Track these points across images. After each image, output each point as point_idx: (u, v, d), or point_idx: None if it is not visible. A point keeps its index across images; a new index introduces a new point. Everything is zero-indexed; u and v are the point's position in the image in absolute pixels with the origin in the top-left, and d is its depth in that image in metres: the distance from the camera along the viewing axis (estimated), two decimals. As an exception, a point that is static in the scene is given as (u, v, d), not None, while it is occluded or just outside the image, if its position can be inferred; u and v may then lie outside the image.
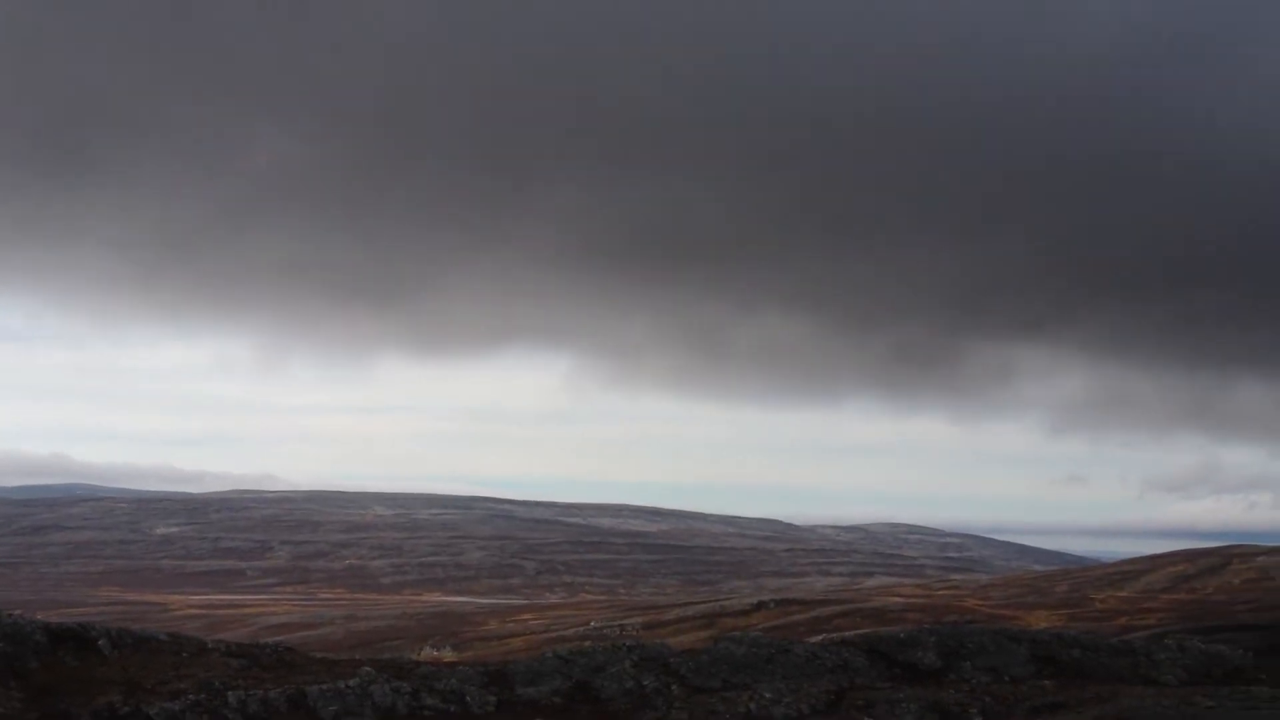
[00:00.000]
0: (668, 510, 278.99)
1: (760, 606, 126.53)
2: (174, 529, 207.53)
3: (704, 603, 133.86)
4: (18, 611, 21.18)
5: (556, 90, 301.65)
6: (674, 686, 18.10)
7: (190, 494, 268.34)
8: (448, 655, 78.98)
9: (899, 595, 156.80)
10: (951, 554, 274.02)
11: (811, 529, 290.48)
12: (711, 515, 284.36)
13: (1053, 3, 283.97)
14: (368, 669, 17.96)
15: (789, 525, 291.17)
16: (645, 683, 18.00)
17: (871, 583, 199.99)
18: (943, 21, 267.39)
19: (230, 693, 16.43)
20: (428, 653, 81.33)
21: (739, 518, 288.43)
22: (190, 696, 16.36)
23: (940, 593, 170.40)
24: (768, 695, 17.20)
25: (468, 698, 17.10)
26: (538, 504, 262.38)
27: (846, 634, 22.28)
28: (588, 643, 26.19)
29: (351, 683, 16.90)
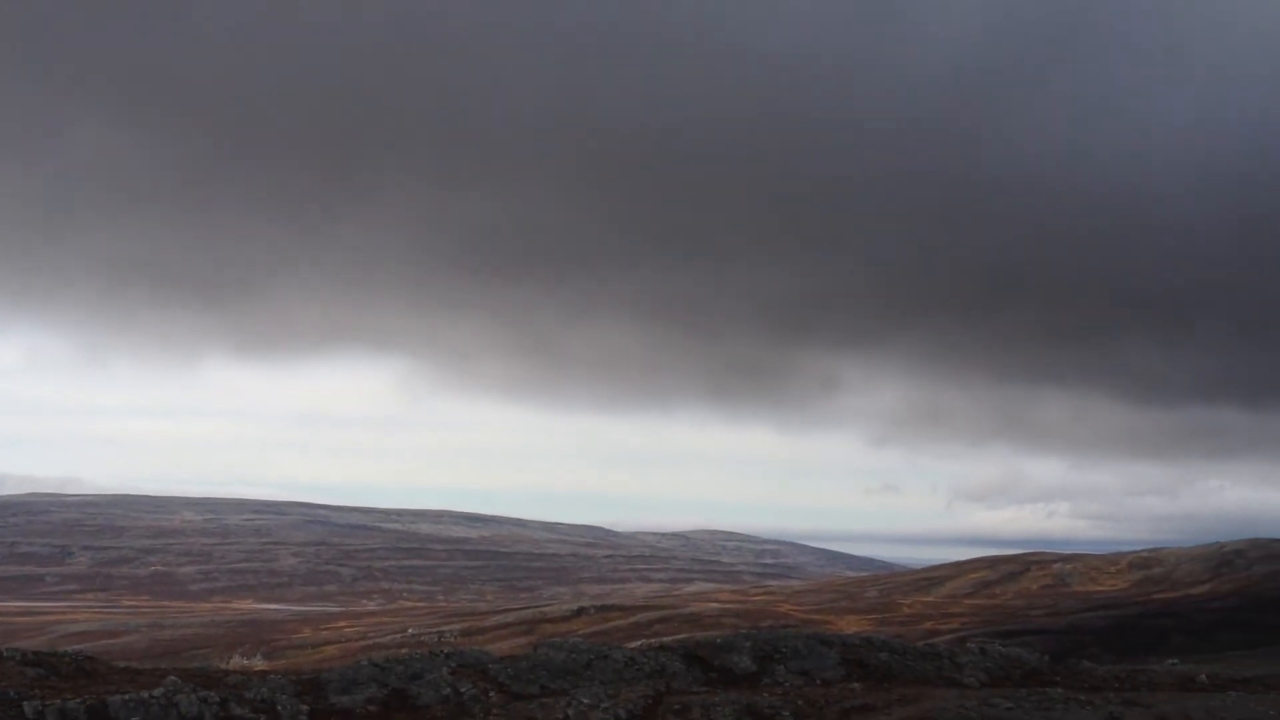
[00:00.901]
0: (489, 516, 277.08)
1: (581, 612, 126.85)
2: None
3: (524, 609, 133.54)
4: None
5: (394, 92, 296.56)
6: (492, 693, 17.95)
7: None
8: (258, 664, 76.79)
9: (717, 601, 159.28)
10: (768, 560, 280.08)
11: (633, 536, 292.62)
12: (533, 522, 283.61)
13: (890, 25, 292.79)
14: (173, 678, 17.25)
15: (610, 532, 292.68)
16: (463, 690, 17.79)
17: (690, 589, 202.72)
18: (783, 38, 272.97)
19: (26, 703, 15.58)
20: (237, 662, 78.95)
21: (561, 524, 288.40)
22: (-20, 708, 15.48)
23: (756, 598, 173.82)
24: (585, 701, 17.20)
25: (279, 707, 16.59)
26: (355, 509, 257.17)
27: (665, 639, 22.48)
28: (405, 650, 25.78)
29: (156, 693, 16.20)
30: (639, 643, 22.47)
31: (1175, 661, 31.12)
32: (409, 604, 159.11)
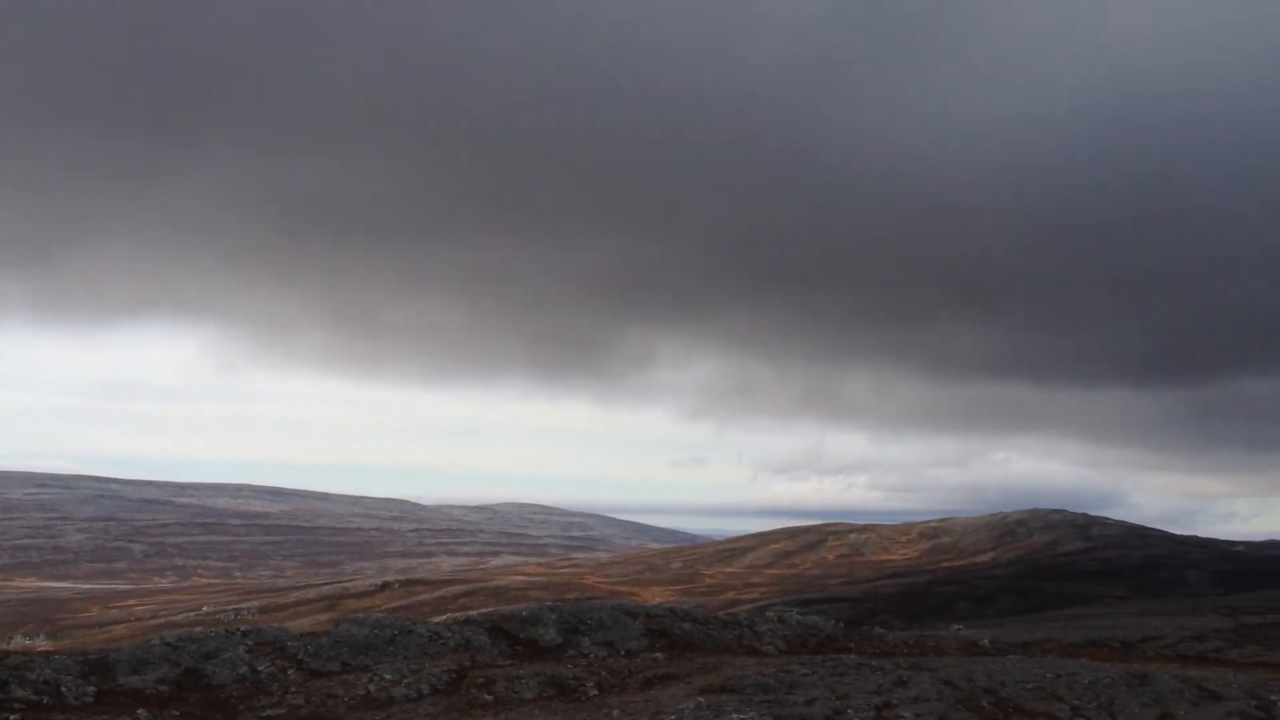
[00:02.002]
0: (291, 490, 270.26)
1: (385, 587, 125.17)
2: None
3: (326, 585, 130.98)
4: None
5: (221, 52, 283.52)
6: (291, 671, 17.54)
7: None
8: (42, 644, 73.33)
9: (523, 574, 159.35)
10: (575, 533, 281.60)
11: (439, 509, 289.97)
12: (337, 495, 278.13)
13: (728, 9, 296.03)
14: (-56, 662, 16.28)
15: (416, 505, 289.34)
16: (260, 668, 17.33)
17: (497, 562, 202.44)
18: (617, 16, 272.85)
19: None
20: (19, 642, 75.24)
21: (365, 498, 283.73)
22: None
23: (563, 571, 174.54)
24: (388, 676, 16.98)
25: (63, 688, 15.82)
26: (148, 483, 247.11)
27: (471, 613, 22.35)
28: (199, 629, 24.94)
29: (-76, 678, 15.27)
30: (444, 617, 22.28)
31: (960, 627, 32.66)
32: (204, 581, 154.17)
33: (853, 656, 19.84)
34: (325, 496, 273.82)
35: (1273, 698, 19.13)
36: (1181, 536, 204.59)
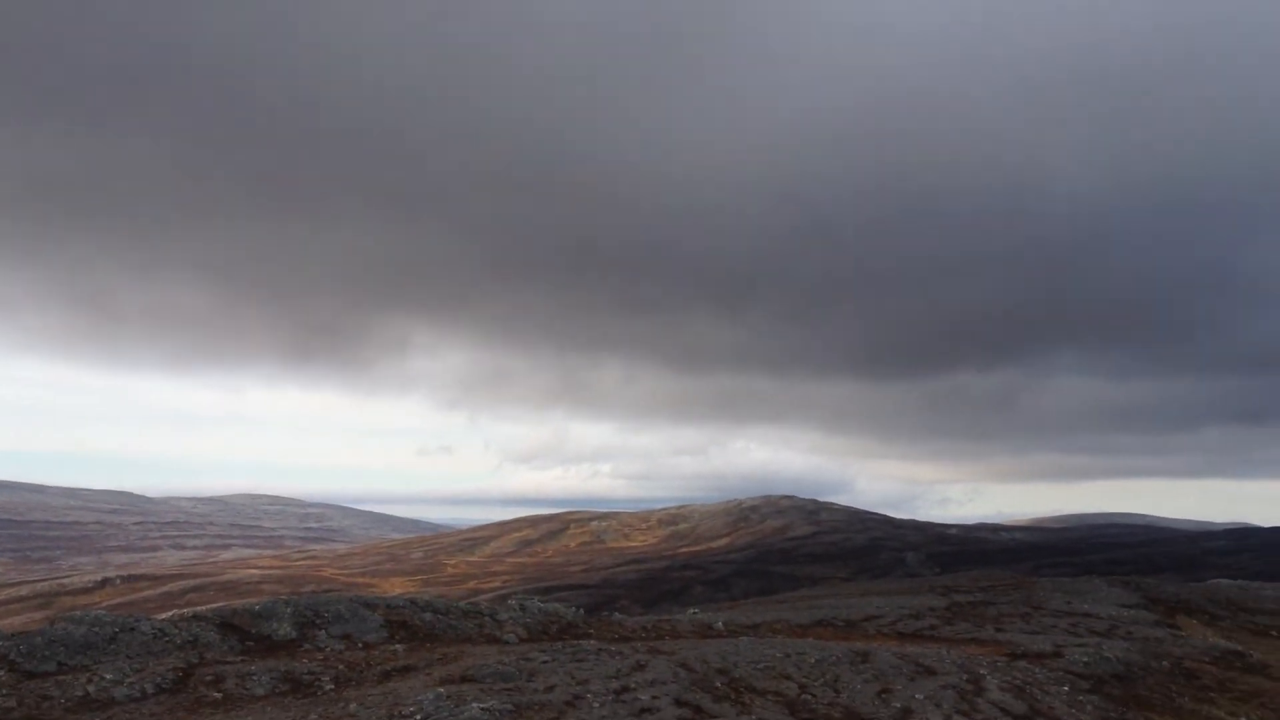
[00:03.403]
0: (2, 482, 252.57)
1: (105, 583, 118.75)
2: None
3: (40, 581, 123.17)
4: None
5: None
6: (2, 673, 16.38)
7: None
8: None
9: (256, 567, 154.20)
10: (312, 524, 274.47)
11: (166, 501, 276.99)
12: (52, 487, 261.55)
13: (503, 12, 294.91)
14: None
15: (140, 497, 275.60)
16: (-37, 673, 16.11)
17: (228, 555, 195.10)
18: (392, 12, 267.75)
19: None
20: None
21: (84, 490, 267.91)
22: None
23: (299, 563, 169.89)
24: (109, 676, 16.08)
25: None
26: None
27: (199, 609, 21.41)
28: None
29: None
30: (171, 613, 21.28)
31: (696, 611, 33.51)
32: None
33: (592, 642, 20.07)
34: (40, 489, 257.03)
35: (982, 671, 20.48)
36: (901, 520, 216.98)
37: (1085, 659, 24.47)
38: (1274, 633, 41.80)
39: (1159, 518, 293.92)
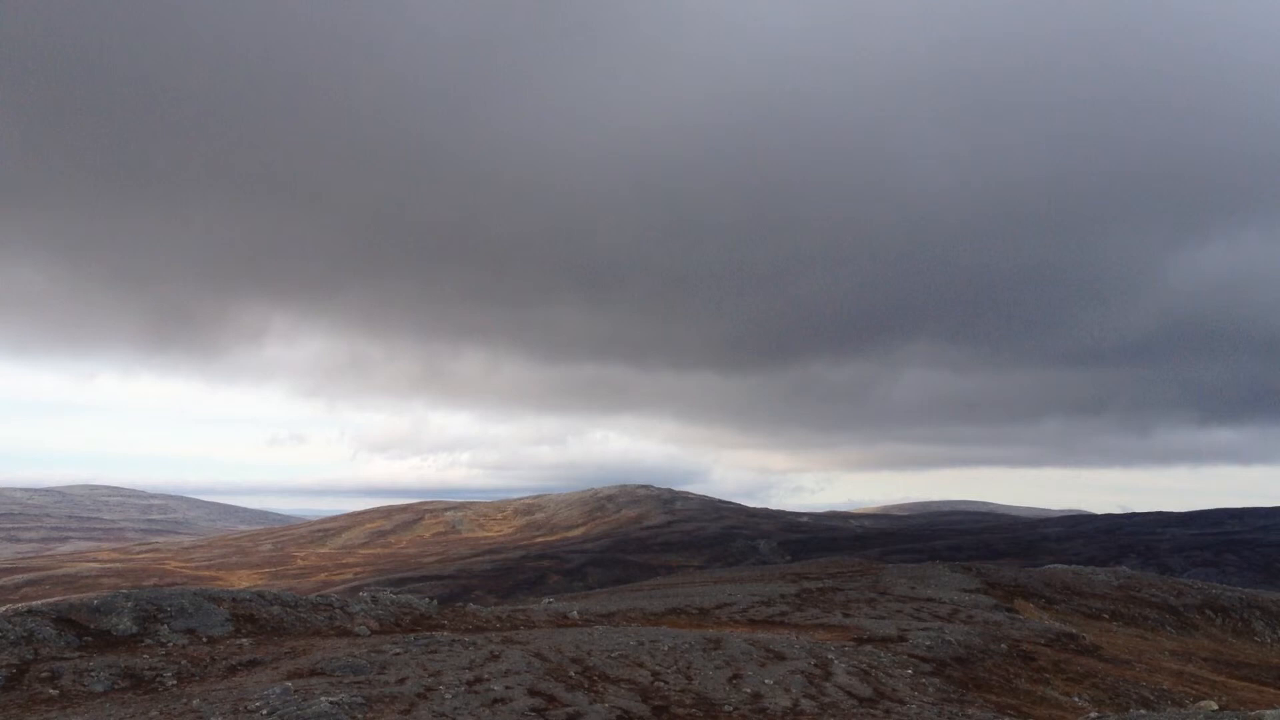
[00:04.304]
0: None
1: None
2: None
3: None
4: None
5: None
6: None
7: None
8: None
9: (96, 560, 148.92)
10: (155, 516, 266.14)
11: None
12: None
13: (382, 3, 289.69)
14: None
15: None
16: None
17: (66, 548, 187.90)
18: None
19: None
20: None
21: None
22: None
23: (140, 556, 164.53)
24: (-67, 678, 15.36)
25: None
26: None
27: (35, 603, 20.56)
28: None
29: None
30: (4, 608, 20.40)
31: (551, 600, 33.52)
32: None
33: (446, 634, 19.92)
34: None
35: (829, 656, 20.95)
36: (755, 509, 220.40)
37: (928, 643, 25.23)
38: (1105, 616, 43.72)
39: (1000, 505, 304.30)
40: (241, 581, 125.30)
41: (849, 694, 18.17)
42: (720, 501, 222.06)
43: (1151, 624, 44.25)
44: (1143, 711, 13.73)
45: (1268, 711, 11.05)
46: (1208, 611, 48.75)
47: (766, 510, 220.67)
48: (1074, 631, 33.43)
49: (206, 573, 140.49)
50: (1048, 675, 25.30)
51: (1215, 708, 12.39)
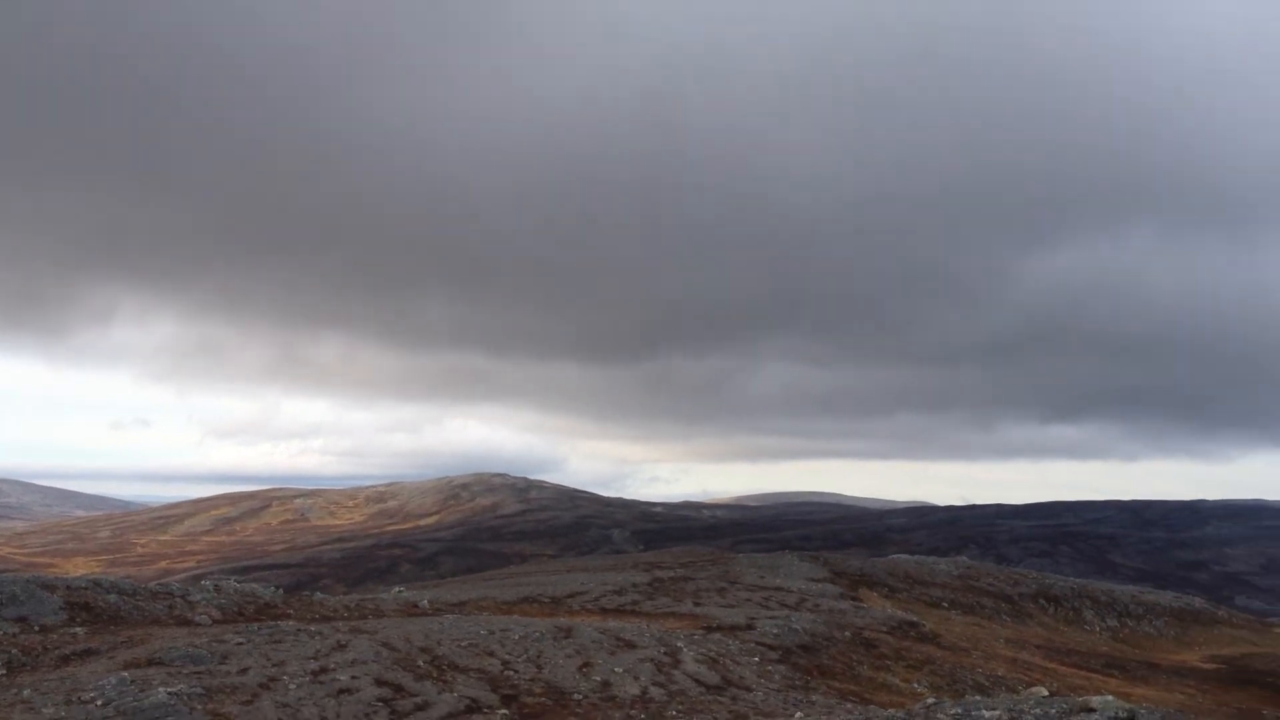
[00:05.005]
0: None
1: None
2: None
3: None
4: None
5: None
6: None
7: None
8: None
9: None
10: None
11: None
12: None
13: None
14: None
15: None
16: None
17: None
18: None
19: None
20: None
21: None
22: None
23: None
24: None
25: None
26: None
27: None
28: None
29: None
30: None
31: (401, 589, 33.16)
32: None
33: (291, 623, 19.57)
34: None
35: (679, 644, 21.20)
36: (610, 498, 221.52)
37: (775, 631, 25.72)
38: (945, 605, 45.15)
39: (848, 496, 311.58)
40: (77, 569, 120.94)
41: (697, 682, 18.42)
42: (576, 491, 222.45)
43: (988, 613, 45.84)
44: (977, 697, 14.23)
45: (1094, 697, 11.56)
46: (1041, 601, 50.74)
47: (621, 500, 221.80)
48: (915, 620, 34.45)
49: (40, 559, 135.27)
50: (889, 662, 26.03)
51: (1045, 694, 12.92)
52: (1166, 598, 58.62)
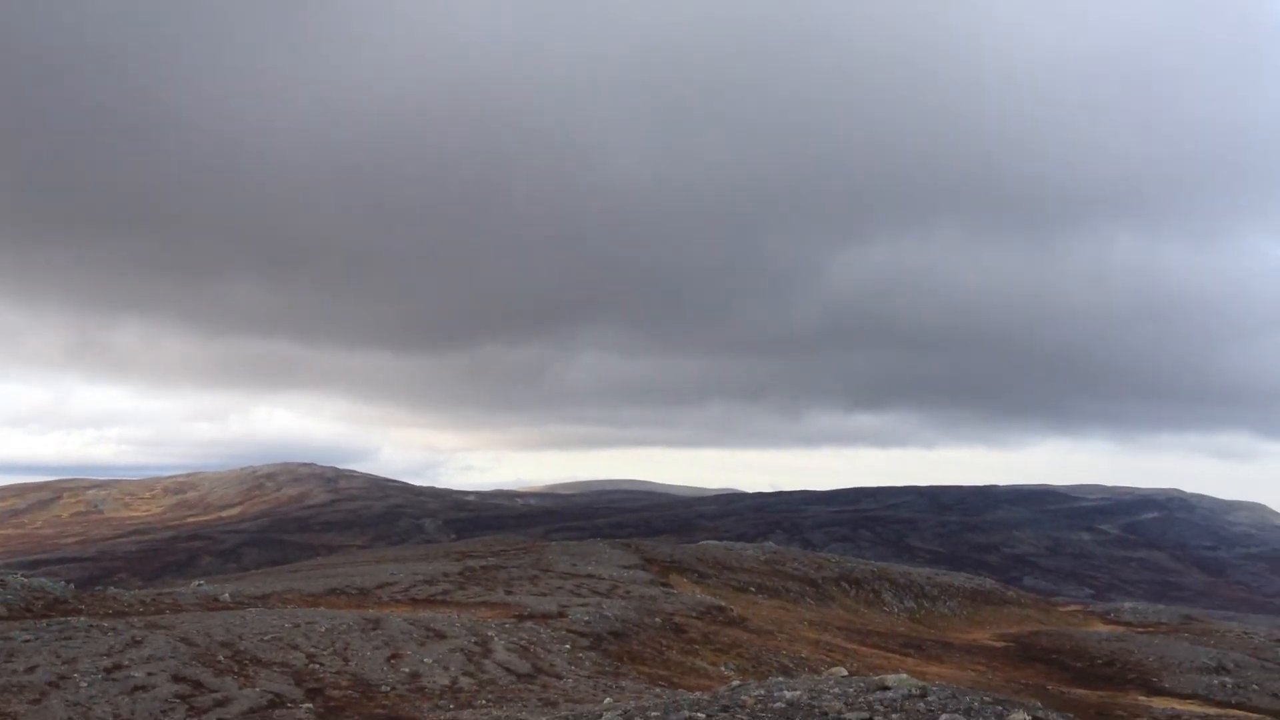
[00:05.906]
0: None
1: None
2: None
3: None
4: None
5: None
6: None
7: None
8: None
9: None
10: None
11: None
12: None
13: None
14: None
15: None
16: None
17: None
18: None
19: None
20: None
21: None
22: None
23: None
24: None
25: None
26: None
27: None
28: None
29: None
30: None
31: (201, 583, 32.08)
32: None
33: (83, 619, 18.75)
34: None
35: (490, 633, 21.15)
36: (421, 487, 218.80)
37: (586, 618, 25.91)
38: (752, 589, 46.21)
39: (660, 484, 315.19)
40: None
41: (508, 670, 18.42)
42: (387, 480, 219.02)
43: (794, 596, 47.13)
44: (781, 679, 14.62)
45: (889, 676, 12.01)
46: (843, 584, 52.44)
47: (433, 489, 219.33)
48: (723, 604, 35.16)
49: None
50: (698, 646, 26.52)
51: (844, 674, 13.36)
52: (960, 579, 61.36)
